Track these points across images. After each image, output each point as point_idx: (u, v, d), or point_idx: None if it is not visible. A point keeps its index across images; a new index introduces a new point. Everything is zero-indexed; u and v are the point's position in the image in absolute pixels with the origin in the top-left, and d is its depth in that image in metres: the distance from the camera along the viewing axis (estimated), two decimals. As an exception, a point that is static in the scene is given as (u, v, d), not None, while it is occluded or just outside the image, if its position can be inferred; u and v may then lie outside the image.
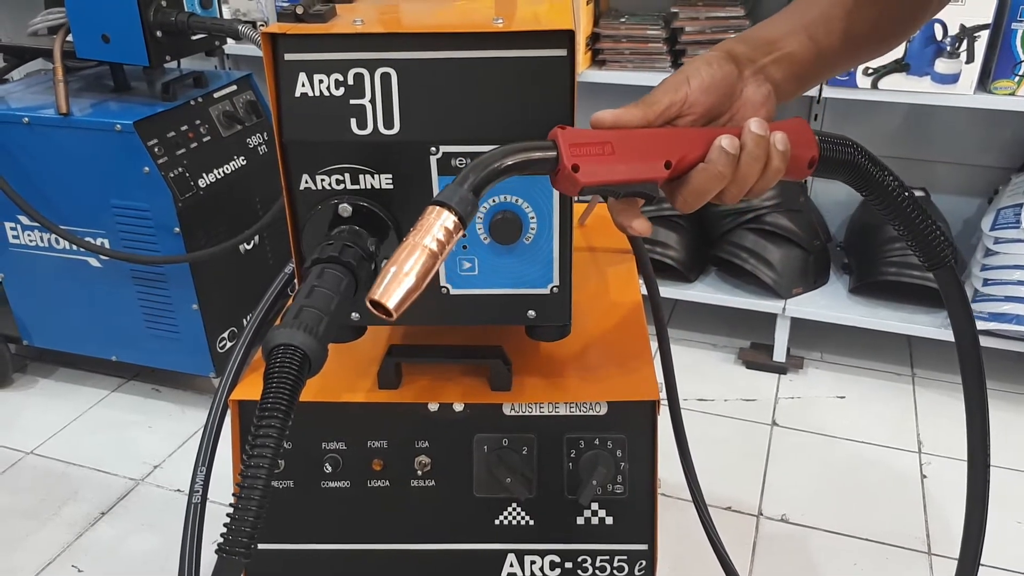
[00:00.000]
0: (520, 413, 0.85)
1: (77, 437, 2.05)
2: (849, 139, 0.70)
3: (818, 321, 2.16)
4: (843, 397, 2.16)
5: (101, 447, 2.01)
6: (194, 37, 1.78)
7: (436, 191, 0.73)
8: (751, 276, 2.17)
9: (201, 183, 1.85)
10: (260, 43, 1.67)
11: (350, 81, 0.69)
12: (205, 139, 1.88)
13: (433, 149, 0.71)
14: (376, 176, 0.72)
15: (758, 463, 1.94)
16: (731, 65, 0.67)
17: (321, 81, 0.69)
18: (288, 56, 0.69)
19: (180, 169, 1.80)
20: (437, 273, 0.77)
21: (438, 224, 0.54)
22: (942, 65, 1.84)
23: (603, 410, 0.85)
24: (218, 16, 1.84)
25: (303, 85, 0.70)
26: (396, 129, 0.71)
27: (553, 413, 0.85)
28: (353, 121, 0.70)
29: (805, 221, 2.18)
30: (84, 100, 1.87)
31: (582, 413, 0.85)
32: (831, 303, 2.17)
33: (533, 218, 0.74)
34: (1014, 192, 2.03)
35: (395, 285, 0.53)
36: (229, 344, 2.02)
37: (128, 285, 1.94)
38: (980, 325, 1.96)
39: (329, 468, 0.85)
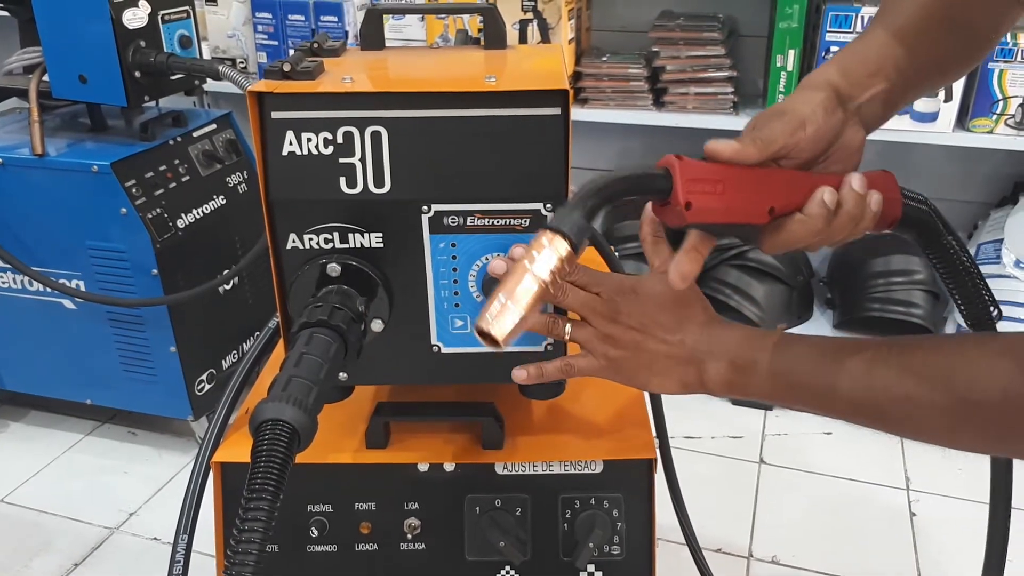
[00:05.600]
0: (513, 472, 0.83)
1: (50, 484, 1.99)
2: (923, 196, 0.70)
3: (803, 357, 2.16)
4: (829, 433, 2.15)
5: (75, 494, 1.95)
6: (173, 77, 1.76)
7: (428, 250, 0.71)
8: (735, 312, 2.16)
9: (180, 223, 1.82)
10: (240, 84, 1.64)
11: (339, 140, 0.68)
12: (184, 179, 1.85)
13: (425, 208, 0.70)
14: (366, 235, 0.71)
15: (747, 502, 1.92)
16: (840, 111, 0.66)
17: (309, 140, 0.68)
18: (275, 115, 0.67)
19: (158, 210, 1.77)
20: (428, 331, 0.75)
21: (552, 252, 0.52)
22: (921, 104, 1.86)
23: (599, 468, 0.83)
24: (198, 56, 1.82)
25: (290, 144, 0.68)
26: (387, 188, 0.69)
27: (547, 472, 0.83)
28: (342, 180, 0.69)
29: (788, 257, 2.18)
30: (60, 140, 1.83)
31: (577, 472, 0.83)
32: (815, 338, 2.17)
33: (527, 276, 0.72)
34: (993, 227, 2.05)
35: (505, 315, 0.51)
36: (208, 387, 1.98)
37: (104, 327, 1.90)
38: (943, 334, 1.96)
39: (315, 532, 0.83)
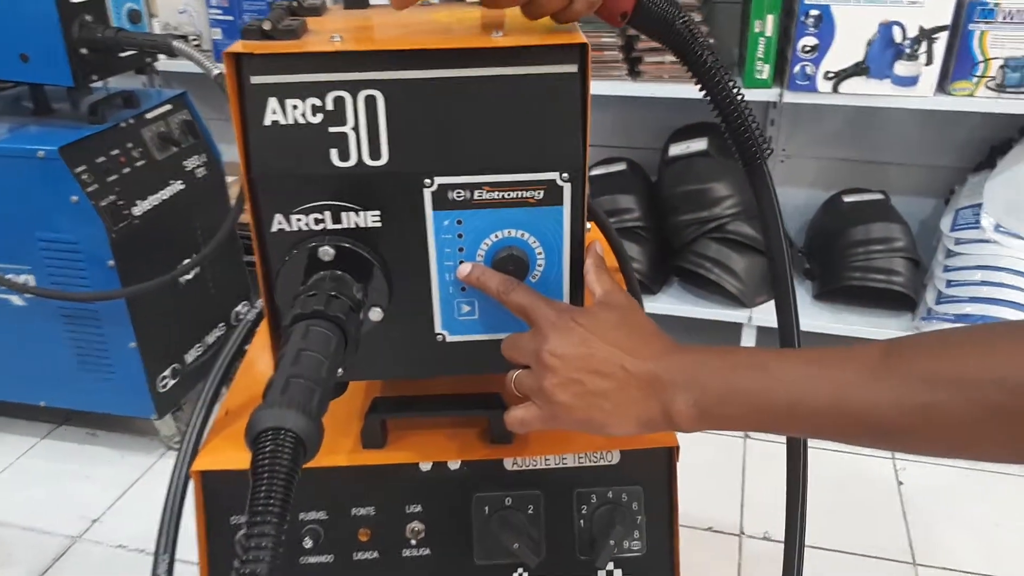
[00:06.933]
0: (524, 468, 0.76)
1: (5, 492, 1.88)
2: (678, 7, 0.69)
3: (784, 329, 2.13)
4: (812, 405, 2.13)
5: (33, 502, 1.84)
6: (123, 54, 1.64)
7: (431, 228, 0.64)
8: (715, 286, 2.12)
9: (136, 211, 1.71)
10: (196, 59, 1.54)
11: (329, 106, 0.60)
12: (138, 163, 1.74)
13: (427, 181, 0.62)
14: (361, 214, 0.63)
15: (735, 479, 1.89)
16: None
17: (295, 107, 0.60)
18: (255, 79, 0.59)
19: (112, 197, 1.66)
20: (431, 319, 0.68)
21: None
22: (902, 68, 1.82)
23: (615, 459, 0.77)
24: (148, 31, 1.70)
25: (274, 112, 0.60)
26: (384, 160, 0.61)
27: (560, 466, 0.77)
28: (334, 152, 0.61)
29: (767, 228, 2.14)
30: (1, 124, 1.71)
31: (592, 464, 0.77)
32: (796, 310, 2.14)
33: (540, 254, 0.66)
34: (971, 192, 2.03)
35: None
36: (171, 383, 1.88)
37: (57, 324, 1.79)
38: (946, 327, 1.94)
39: (310, 542, 0.76)
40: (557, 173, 0.62)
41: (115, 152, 1.69)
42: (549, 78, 0.60)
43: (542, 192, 0.63)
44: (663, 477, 0.77)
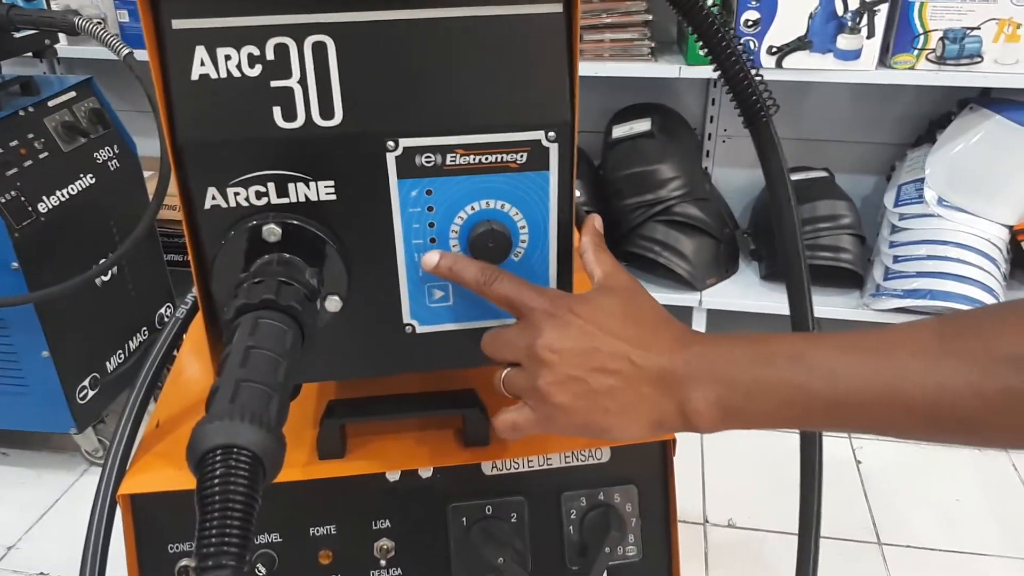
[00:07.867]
0: (504, 471, 0.69)
1: (-96, 523, 1.70)
2: None
3: (734, 311, 2.10)
4: (764, 387, 2.10)
5: (-63, 533, 1.67)
6: (17, 35, 1.49)
7: (396, 200, 0.55)
8: (664, 269, 2.07)
9: (41, 208, 1.55)
10: (102, 38, 1.39)
11: (269, 55, 0.50)
12: (42, 155, 1.58)
13: (390, 144, 0.53)
14: (312, 184, 0.53)
15: (694, 467, 1.85)
16: None
17: (228, 57, 0.50)
18: (178, 24, 0.49)
19: (13, 192, 1.50)
20: (398, 308, 0.59)
21: None
22: (844, 41, 1.80)
23: (605, 457, 0.69)
24: (45, 8, 1.55)
25: (202, 64, 0.50)
26: (337, 119, 0.52)
27: (545, 467, 0.69)
28: (277, 111, 0.51)
29: (713, 209, 2.10)
30: None
31: (580, 463, 0.69)
32: (744, 291, 2.11)
33: (523, 228, 0.57)
34: (912, 167, 2.02)
35: None
36: (91, 393, 1.72)
37: (-43, 335, 1.62)
38: (895, 303, 1.94)
39: (263, 569, 0.66)
40: (542, 132, 0.54)
41: (14, 143, 1.53)
42: (529, 19, 0.52)
43: (525, 155, 0.55)
44: (658, 474, 0.70)
